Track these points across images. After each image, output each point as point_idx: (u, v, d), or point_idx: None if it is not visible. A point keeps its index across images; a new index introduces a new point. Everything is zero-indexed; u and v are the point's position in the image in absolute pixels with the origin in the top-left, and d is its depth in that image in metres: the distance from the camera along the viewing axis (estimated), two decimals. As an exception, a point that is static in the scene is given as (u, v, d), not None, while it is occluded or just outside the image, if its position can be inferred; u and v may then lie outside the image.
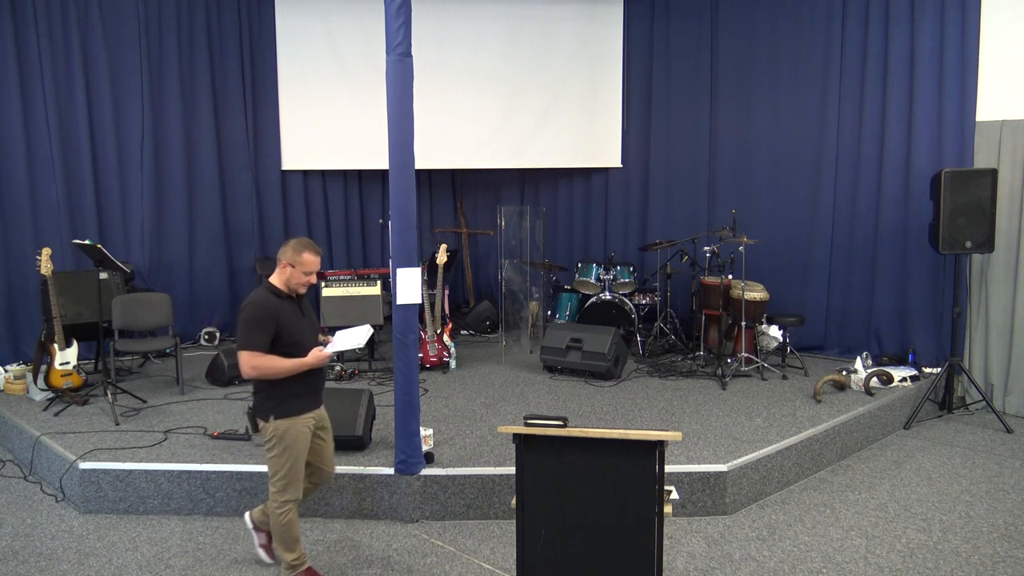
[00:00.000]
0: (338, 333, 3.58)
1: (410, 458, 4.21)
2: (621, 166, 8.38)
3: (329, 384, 5.98)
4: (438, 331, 6.59)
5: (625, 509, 2.86)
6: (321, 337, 3.59)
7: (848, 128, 6.91)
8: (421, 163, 4.32)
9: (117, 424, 5.06)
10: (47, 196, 6.77)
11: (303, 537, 4.05)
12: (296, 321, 3.40)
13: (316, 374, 3.48)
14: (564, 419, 2.93)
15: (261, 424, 3.41)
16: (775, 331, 6.71)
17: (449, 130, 8.06)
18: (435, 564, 3.79)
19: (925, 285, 6.50)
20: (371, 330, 3.58)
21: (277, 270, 3.42)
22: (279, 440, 3.37)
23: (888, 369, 6.00)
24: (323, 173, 8.53)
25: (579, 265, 7.73)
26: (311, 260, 3.40)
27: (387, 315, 6.12)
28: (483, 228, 9.32)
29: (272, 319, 3.29)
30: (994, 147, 6.06)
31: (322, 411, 3.59)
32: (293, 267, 3.38)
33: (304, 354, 3.37)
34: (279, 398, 3.36)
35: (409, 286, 4.06)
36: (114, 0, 7.04)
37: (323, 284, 6.67)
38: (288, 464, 3.39)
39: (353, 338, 3.50)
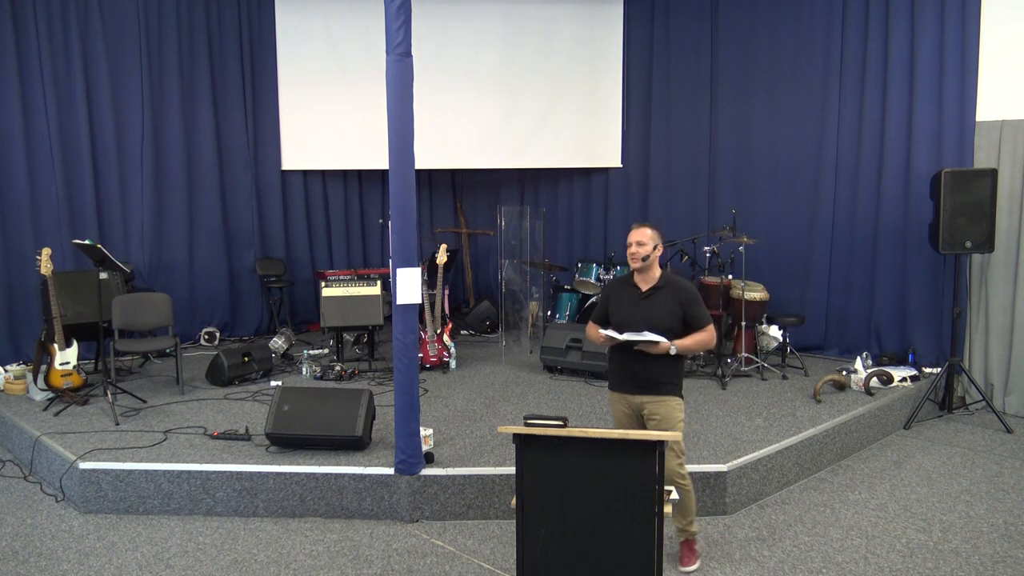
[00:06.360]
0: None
1: (410, 458, 4.21)
2: (621, 166, 8.38)
3: (329, 384, 6.05)
4: (438, 331, 6.59)
5: (625, 509, 2.86)
6: None
7: (848, 128, 6.91)
8: (421, 163, 4.31)
9: (117, 424, 5.06)
10: (47, 196, 6.76)
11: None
12: None
13: None
14: (564, 419, 2.93)
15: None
16: (775, 331, 6.70)
17: (449, 130, 8.07)
18: (435, 564, 3.78)
19: (925, 285, 6.49)
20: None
21: (656, 255, 3.66)
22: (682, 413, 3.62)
23: (888, 369, 6.00)
24: (323, 173, 8.53)
25: (579, 265, 7.72)
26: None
27: (387, 315, 6.12)
28: (483, 228, 9.32)
29: None
30: (994, 147, 6.06)
31: None
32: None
33: None
34: (682, 375, 3.66)
35: (409, 286, 4.06)
36: (114, 0, 7.04)
37: (323, 284, 6.67)
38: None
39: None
